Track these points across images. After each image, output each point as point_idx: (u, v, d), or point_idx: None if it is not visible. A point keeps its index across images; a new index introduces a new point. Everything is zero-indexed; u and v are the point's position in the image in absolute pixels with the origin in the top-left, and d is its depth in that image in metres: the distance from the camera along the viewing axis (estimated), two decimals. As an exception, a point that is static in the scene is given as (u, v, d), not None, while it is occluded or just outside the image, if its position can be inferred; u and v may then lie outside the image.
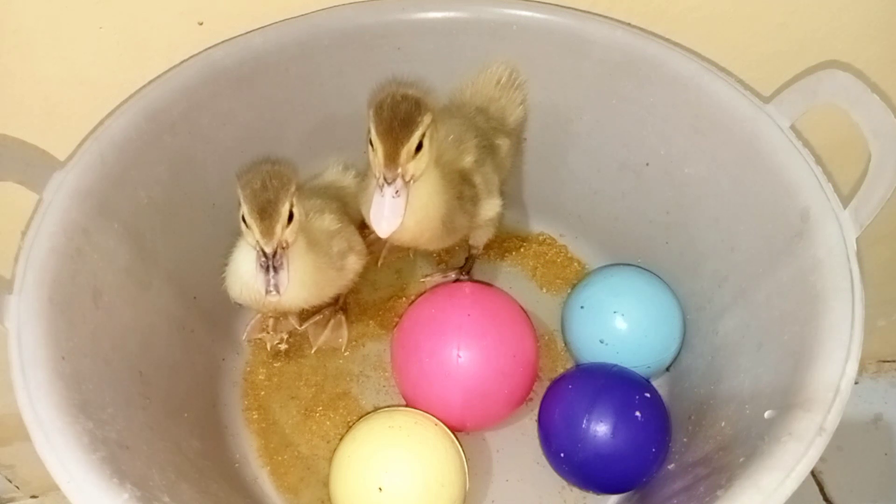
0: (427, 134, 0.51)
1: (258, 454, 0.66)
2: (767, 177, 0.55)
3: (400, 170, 0.50)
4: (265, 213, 0.50)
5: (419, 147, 0.51)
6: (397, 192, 0.50)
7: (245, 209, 0.51)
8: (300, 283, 0.56)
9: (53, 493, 0.97)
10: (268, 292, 0.51)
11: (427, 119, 0.51)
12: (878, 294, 0.88)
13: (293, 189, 0.52)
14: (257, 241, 0.51)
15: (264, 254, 0.51)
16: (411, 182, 0.52)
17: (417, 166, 0.52)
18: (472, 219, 0.62)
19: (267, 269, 0.51)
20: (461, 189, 0.60)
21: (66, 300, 0.49)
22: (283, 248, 0.51)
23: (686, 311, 0.67)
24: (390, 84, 0.53)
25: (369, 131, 0.51)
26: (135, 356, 0.55)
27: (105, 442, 0.44)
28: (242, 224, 0.52)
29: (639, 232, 0.70)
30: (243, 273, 0.57)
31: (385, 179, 0.50)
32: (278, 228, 0.51)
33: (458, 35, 0.62)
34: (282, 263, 0.51)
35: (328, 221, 0.61)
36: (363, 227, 0.66)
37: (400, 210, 0.50)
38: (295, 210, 0.52)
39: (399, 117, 0.50)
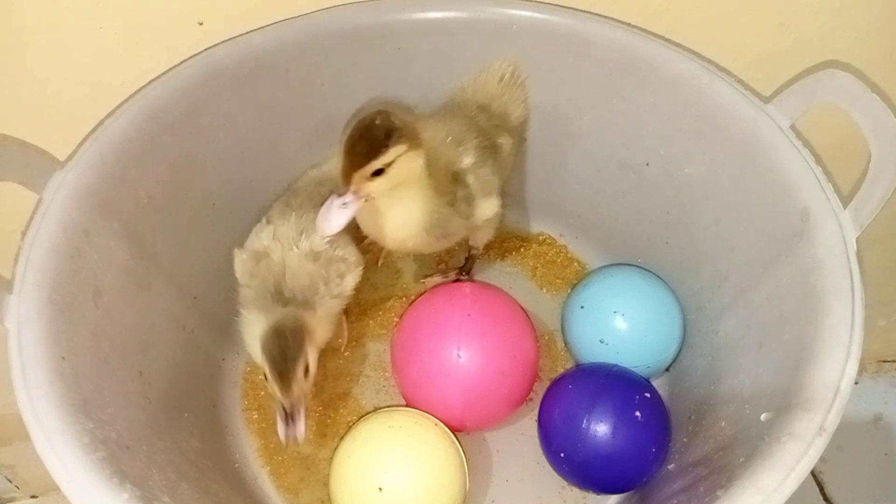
0: (397, 162, 0.52)
1: (258, 454, 0.66)
2: (767, 177, 0.55)
3: (353, 187, 0.51)
4: (283, 376, 0.53)
5: (381, 171, 0.52)
6: (345, 203, 0.52)
7: (266, 369, 0.54)
8: None
9: (53, 493, 0.96)
10: (287, 443, 0.54)
11: (397, 149, 0.51)
12: (878, 294, 0.88)
13: (306, 344, 0.55)
14: (278, 395, 0.54)
15: (283, 406, 0.54)
16: (365, 199, 0.53)
17: (376, 188, 0.52)
18: (467, 219, 0.62)
19: (286, 420, 0.54)
20: (454, 190, 0.60)
21: (66, 300, 0.49)
22: (300, 400, 0.55)
23: (686, 311, 0.67)
24: (383, 104, 0.53)
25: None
26: (135, 356, 0.55)
27: (105, 442, 0.44)
28: (263, 376, 0.56)
29: (639, 232, 0.70)
30: (251, 344, 0.59)
31: (338, 190, 0.52)
32: (295, 387, 0.54)
33: (458, 35, 0.62)
34: (300, 414, 0.54)
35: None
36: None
37: (342, 220, 0.52)
38: (311, 362, 0.55)
39: (364, 140, 0.51)
